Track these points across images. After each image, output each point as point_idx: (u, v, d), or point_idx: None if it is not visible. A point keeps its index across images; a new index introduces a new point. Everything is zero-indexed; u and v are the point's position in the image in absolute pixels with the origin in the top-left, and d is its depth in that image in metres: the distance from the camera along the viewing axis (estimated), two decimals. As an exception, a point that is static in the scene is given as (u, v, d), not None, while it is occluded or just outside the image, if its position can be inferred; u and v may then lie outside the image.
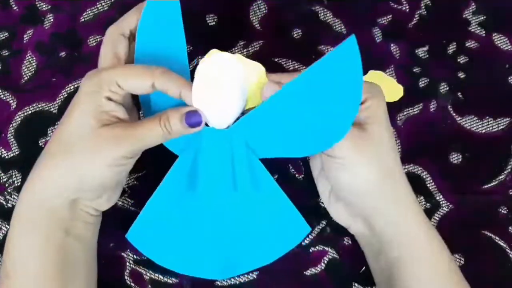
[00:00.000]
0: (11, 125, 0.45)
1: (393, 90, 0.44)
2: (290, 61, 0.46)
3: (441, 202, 0.43)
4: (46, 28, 0.47)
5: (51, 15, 0.47)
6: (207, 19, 0.47)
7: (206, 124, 0.35)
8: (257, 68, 0.35)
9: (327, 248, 0.42)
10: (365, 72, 0.39)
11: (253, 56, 0.34)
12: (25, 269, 0.33)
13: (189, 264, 0.38)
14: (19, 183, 0.44)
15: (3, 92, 0.46)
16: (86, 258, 0.36)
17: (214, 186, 0.36)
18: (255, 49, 0.46)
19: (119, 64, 0.35)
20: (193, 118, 0.33)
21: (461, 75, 0.45)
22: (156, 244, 0.37)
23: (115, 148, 0.32)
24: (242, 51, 0.46)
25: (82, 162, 0.32)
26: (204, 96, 0.33)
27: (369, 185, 0.34)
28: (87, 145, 0.32)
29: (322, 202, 0.43)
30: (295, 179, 0.43)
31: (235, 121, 0.35)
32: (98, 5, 0.47)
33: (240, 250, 0.37)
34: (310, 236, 0.42)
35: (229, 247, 0.37)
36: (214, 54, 0.34)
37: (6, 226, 0.43)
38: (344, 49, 0.31)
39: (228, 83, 0.33)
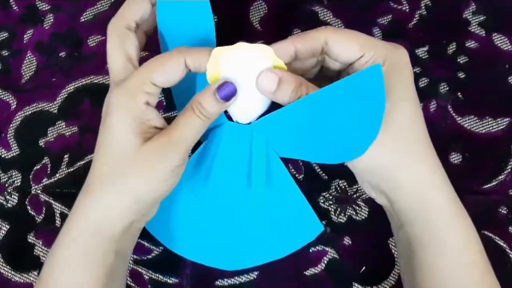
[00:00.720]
0: (11, 125, 0.45)
1: None
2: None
3: (441, 202, 0.43)
4: (46, 28, 0.47)
5: (51, 15, 0.47)
6: (207, 19, 0.47)
7: (230, 118, 0.35)
8: (267, 52, 0.32)
9: (327, 248, 0.42)
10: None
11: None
12: None
13: (199, 252, 0.38)
14: (19, 183, 0.44)
15: (3, 92, 0.46)
16: (125, 273, 0.35)
17: (227, 180, 0.36)
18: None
19: (132, 64, 0.33)
20: (226, 89, 0.31)
21: (461, 75, 0.45)
22: (168, 229, 0.38)
23: (166, 163, 0.31)
24: (242, 51, 0.46)
25: (138, 185, 0.31)
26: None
27: (376, 167, 0.32)
28: (138, 167, 0.30)
29: (323, 202, 0.43)
30: (295, 179, 0.43)
31: (257, 118, 0.34)
32: (98, 5, 0.47)
33: (250, 244, 0.38)
34: (310, 236, 0.42)
35: (240, 240, 0.37)
36: (243, 46, 0.32)
37: (6, 226, 0.43)
38: (370, 73, 0.30)
39: (252, 80, 0.32)
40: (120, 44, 0.33)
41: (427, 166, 0.32)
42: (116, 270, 0.33)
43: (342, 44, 0.32)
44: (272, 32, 0.46)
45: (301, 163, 0.44)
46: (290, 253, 0.38)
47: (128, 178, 0.31)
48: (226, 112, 0.34)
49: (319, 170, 0.44)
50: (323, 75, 0.36)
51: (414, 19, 0.47)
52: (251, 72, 0.32)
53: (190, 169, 0.37)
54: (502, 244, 0.42)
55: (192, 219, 0.37)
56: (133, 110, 0.31)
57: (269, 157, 0.35)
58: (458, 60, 0.46)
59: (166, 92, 0.44)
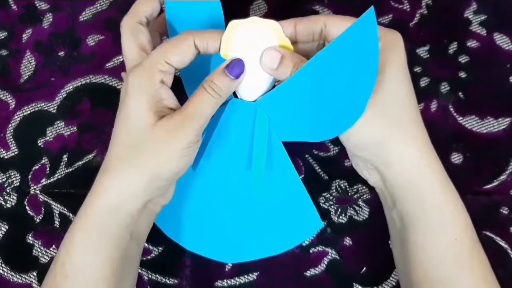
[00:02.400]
0: (10, 125, 0.45)
1: None
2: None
3: (442, 203, 0.42)
4: (45, 27, 0.47)
5: (50, 14, 0.47)
6: (207, 18, 0.47)
7: (235, 95, 0.36)
8: (276, 29, 0.34)
9: (327, 249, 0.42)
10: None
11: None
12: (86, 273, 0.32)
13: (197, 241, 0.38)
14: (18, 183, 0.44)
15: (2, 92, 0.46)
16: (138, 257, 0.36)
17: (228, 158, 0.36)
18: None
19: (145, 53, 0.35)
20: (235, 67, 0.33)
21: (462, 74, 0.45)
22: (167, 215, 0.37)
23: (181, 139, 0.31)
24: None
25: (155, 162, 0.31)
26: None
27: (368, 141, 0.33)
28: (154, 144, 0.31)
29: (323, 203, 0.43)
30: (295, 179, 0.43)
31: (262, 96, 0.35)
32: (97, 5, 0.47)
33: (248, 235, 0.37)
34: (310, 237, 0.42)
35: (238, 230, 0.37)
36: (256, 21, 0.34)
37: (5, 226, 0.43)
38: (363, 22, 0.31)
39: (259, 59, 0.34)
40: (133, 36, 0.35)
41: (417, 142, 0.33)
42: (131, 254, 0.34)
43: (339, 26, 0.33)
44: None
45: (301, 163, 0.43)
46: (289, 249, 0.38)
47: (146, 155, 0.31)
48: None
49: (319, 170, 0.43)
50: None
51: (415, 19, 0.46)
52: (258, 49, 0.34)
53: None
54: (503, 244, 0.42)
55: (190, 202, 0.37)
56: (148, 88, 0.32)
57: (271, 141, 0.36)
58: (459, 59, 0.45)
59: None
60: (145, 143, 0.31)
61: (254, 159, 0.35)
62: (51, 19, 0.47)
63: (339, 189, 0.43)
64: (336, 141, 0.44)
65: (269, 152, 0.36)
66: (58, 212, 0.43)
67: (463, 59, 0.45)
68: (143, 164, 0.31)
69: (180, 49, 0.32)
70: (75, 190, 0.43)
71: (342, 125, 0.33)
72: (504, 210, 0.42)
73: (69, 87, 0.45)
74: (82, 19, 0.47)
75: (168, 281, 0.42)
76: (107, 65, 0.46)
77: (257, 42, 0.34)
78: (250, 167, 0.36)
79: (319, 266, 0.42)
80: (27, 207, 0.43)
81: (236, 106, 0.36)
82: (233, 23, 0.33)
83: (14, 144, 0.45)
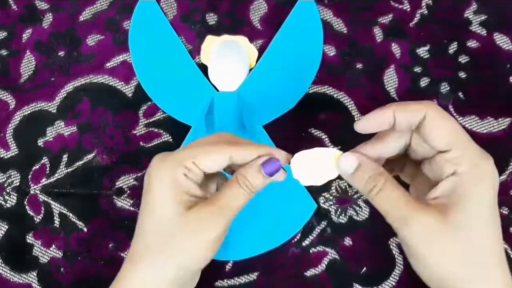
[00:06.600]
0: (9, 125, 0.45)
1: None
2: (290, 60, 0.45)
3: (442, 203, 0.42)
4: (45, 27, 0.47)
5: (50, 14, 0.47)
6: (207, 18, 0.47)
7: (217, 90, 0.43)
8: (242, 39, 0.45)
9: (327, 249, 0.42)
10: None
11: (253, 56, 0.37)
12: None
13: None
14: (18, 183, 0.44)
15: (2, 92, 0.46)
16: None
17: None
18: (256, 48, 0.45)
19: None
20: (271, 166, 0.32)
21: (462, 74, 0.45)
22: None
23: (212, 231, 0.31)
24: (242, 51, 0.46)
25: (183, 253, 0.31)
26: (217, 69, 0.44)
27: (443, 278, 0.30)
28: (183, 234, 0.31)
29: (323, 203, 0.43)
30: (295, 179, 0.43)
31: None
32: (97, 4, 0.47)
33: (247, 229, 0.38)
34: (310, 237, 0.42)
35: (235, 224, 0.37)
36: (224, 40, 0.45)
37: (5, 226, 0.43)
38: (302, 5, 0.38)
39: (233, 57, 0.44)
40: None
41: (498, 285, 0.30)
42: None
43: (438, 125, 0.30)
44: (272, 32, 0.46)
45: (301, 163, 0.43)
46: (288, 238, 0.39)
47: (175, 245, 0.31)
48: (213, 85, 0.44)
49: (319, 170, 0.43)
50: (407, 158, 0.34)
51: (415, 19, 0.46)
52: (230, 54, 0.44)
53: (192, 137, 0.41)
54: (503, 245, 0.42)
55: None
56: (172, 184, 0.31)
57: (256, 126, 0.41)
58: (459, 59, 0.45)
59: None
60: (173, 233, 0.31)
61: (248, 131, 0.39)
62: (51, 19, 0.47)
63: (339, 189, 0.43)
64: (335, 141, 0.44)
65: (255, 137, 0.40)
66: (58, 212, 0.43)
67: (463, 59, 0.45)
68: (171, 255, 0.31)
69: (212, 157, 0.31)
70: (75, 190, 0.43)
71: (303, 88, 0.42)
72: (504, 211, 0.42)
73: (69, 87, 0.45)
74: (82, 19, 0.47)
75: (168, 281, 0.42)
76: (107, 65, 0.46)
77: (227, 50, 0.44)
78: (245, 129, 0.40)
79: (319, 266, 0.42)
80: (27, 207, 0.43)
81: (223, 98, 0.42)
82: (210, 38, 0.43)
83: (14, 144, 0.45)
